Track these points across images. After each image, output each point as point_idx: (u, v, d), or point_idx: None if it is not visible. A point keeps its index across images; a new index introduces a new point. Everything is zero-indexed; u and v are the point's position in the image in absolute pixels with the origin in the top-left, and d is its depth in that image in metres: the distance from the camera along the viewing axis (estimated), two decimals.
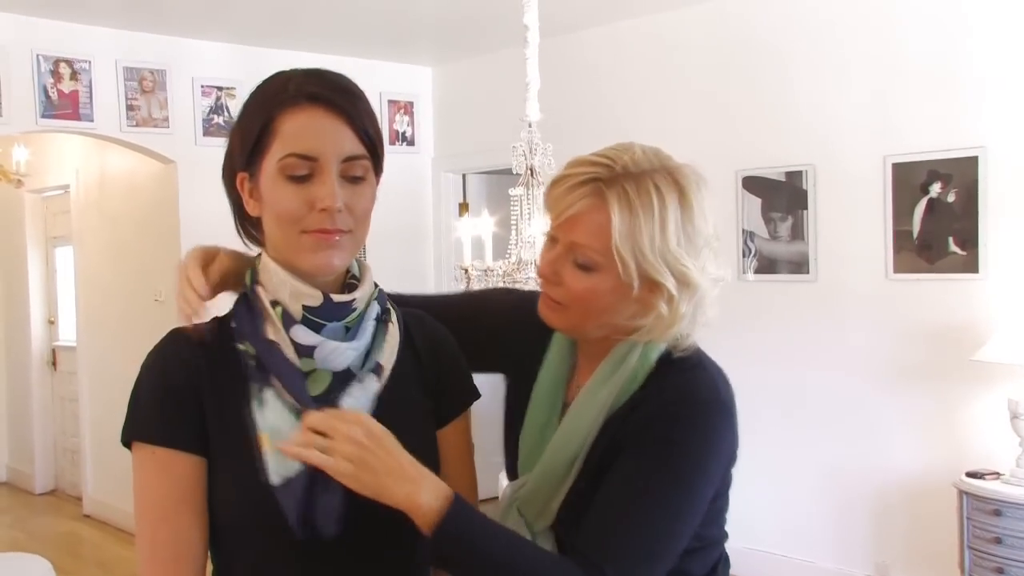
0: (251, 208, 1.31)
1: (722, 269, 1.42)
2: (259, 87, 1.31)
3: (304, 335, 1.26)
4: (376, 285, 1.39)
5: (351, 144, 1.26)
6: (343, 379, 1.29)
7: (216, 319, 1.36)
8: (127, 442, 1.27)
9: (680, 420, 1.36)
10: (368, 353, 1.32)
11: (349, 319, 1.30)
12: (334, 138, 1.25)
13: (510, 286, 2.95)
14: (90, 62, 5.10)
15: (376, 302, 1.36)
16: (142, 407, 1.26)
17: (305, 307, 1.28)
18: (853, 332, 4.49)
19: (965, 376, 4.11)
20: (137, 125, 5.26)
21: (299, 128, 1.24)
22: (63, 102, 5.02)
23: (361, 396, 1.29)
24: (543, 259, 1.44)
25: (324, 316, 1.28)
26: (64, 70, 5.04)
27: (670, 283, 1.33)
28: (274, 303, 1.28)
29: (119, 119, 5.18)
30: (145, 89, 5.25)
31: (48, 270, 7.45)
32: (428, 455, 1.36)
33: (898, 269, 4.34)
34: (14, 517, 6.94)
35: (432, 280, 6.41)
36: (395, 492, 1.20)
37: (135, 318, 5.92)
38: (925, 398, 4.28)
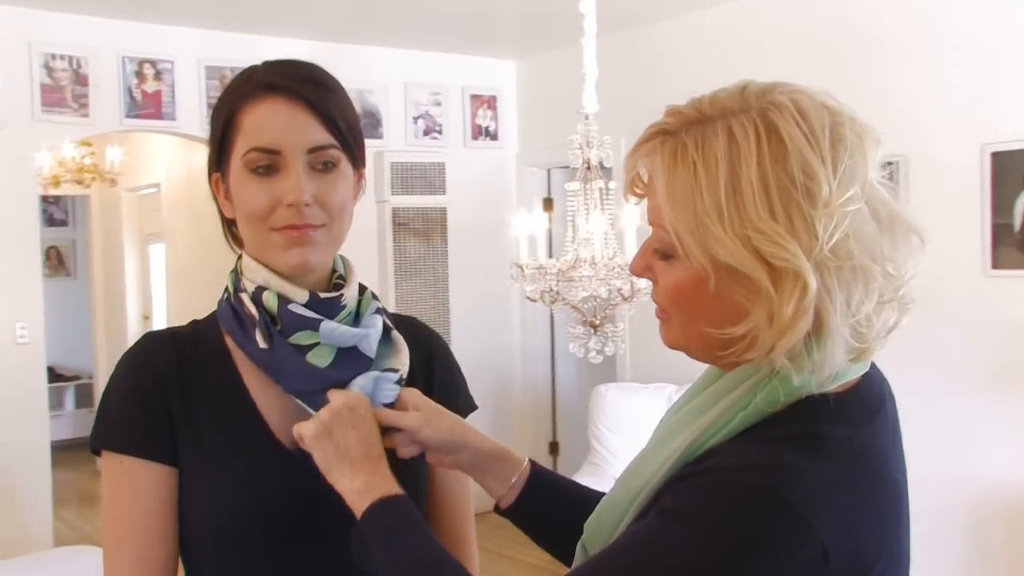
0: (226, 209, 1.26)
1: (903, 255, 0.96)
2: (228, 83, 1.25)
3: (305, 311, 1.21)
4: (366, 288, 1.32)
5: (316, 134, 1.18)
6: (350, 357, 1.22)
7: (194, 322, 1.31)
8: (96, 450, 1.22)
9: (699, 494, 0.93)
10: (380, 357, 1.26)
11: (340, 317, 1.23)
12: (296, 128, 1.17)
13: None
14: (173, 62, 5.16)
15: (375, 301, 1.30)
16: (110, 414, 1.21)
17: None
18: (947, 332, 4.23)
19: None
20: None
21: (259, 120, 1.18)
22: (146, 102, 5.10)
23: (385, 387, 1.23)
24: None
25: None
26: (148, 71, 5.12)
27: (756, 271, 0.91)
28: (261, 288, 1.22)
29: (200, 118, 5.23)
30: None
31: (143, 267, 7.64)
32: (416, 470, 1.29)
33: (997, 265, 4.07)
34: None
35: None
36: (333, 474, 1.14)
37: None
38: None
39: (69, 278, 9.11)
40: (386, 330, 1.29)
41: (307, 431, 1.15)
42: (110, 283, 7.84)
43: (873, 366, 1.05)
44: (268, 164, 1.17)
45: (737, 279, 0.94)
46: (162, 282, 7.06)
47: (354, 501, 1.12)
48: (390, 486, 1.13)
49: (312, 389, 1.19)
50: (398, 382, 1.25)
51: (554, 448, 6.37)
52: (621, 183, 1.09)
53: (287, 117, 1.17)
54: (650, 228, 1.02)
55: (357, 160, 1.25)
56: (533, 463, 1.29)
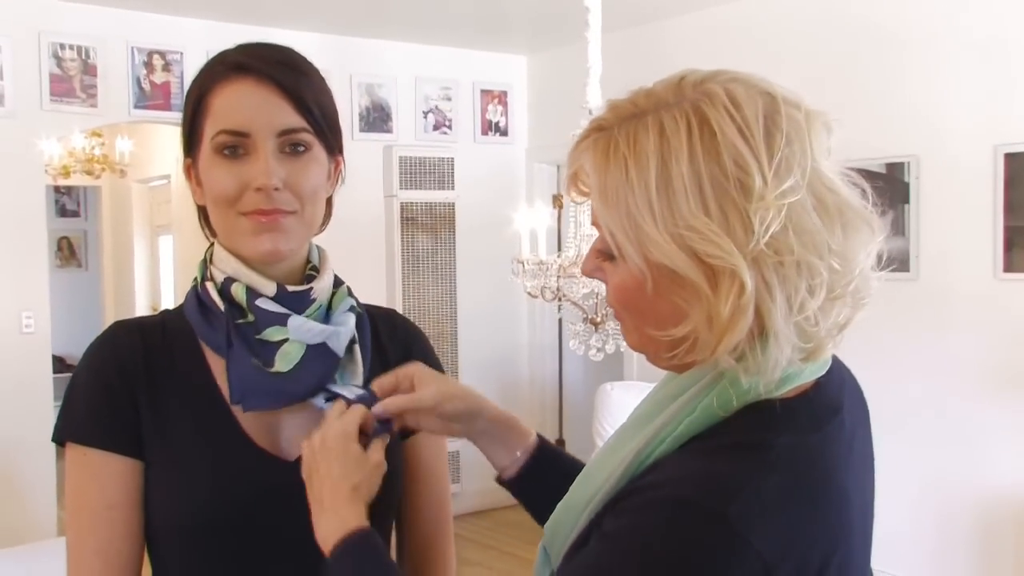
0: (196, 196, 1.23)
1: (853, 248, 0.91)
2: (201, 66, 1.22)
3: (273, 306, 1.18)
4: (343, 282, 1.29)
5: (287, 117, 1.15)
6: (320, 354, 1.19)
7: (164, 312, 1.29)
8: (60, 441, 1.19)
9: (637, 514, 0.90)
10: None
11: (309, 311, 1.20)
12: (266, 111, 1.14)
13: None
14: (182, 53, 5.16)
15: (349, 297, 1.27)
16: (75, 405, 1.19)
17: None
18: (957, 335, 4.18)
19: None
20: None
21: (228, 102, 1.15)
22: (155, 93, 5.10)
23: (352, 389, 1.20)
24: None
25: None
26: (157, 62, 5.11)
27: (690, 271, 0.88)
28: (230, 279, 1.19)
29: None
30: None
31: (153, 258, 7.65)
32: (391, 475, 1.26)
33: (1008, 268, 4.02)
34: None
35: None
36: (313, 515, 1.11)
37: None
38: None
39: (80, 269, 9.13)
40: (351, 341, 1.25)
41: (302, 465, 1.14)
42: (120, 274, 7.86)
43: (837, 368, 1.01)
44: (236, 147, 1.14)
45: (674, 280, 0.90)
46: (171, 274, 7.06)
47: (324, 547, 1.09)
48: (344, 525, 1.08)
49: (271, 407, 1.17)
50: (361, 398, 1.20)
51: (560, 445, 6.33)
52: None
53: (257, 99, 1.14)
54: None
55: (332, 146, 1.22)
56: (540, 437, 1.26)
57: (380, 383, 1.19)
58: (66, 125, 5.06)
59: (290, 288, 1.19)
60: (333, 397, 1.18)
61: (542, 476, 1.23)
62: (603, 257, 0.97)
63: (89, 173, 6.54)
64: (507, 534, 5.46)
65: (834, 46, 4.58)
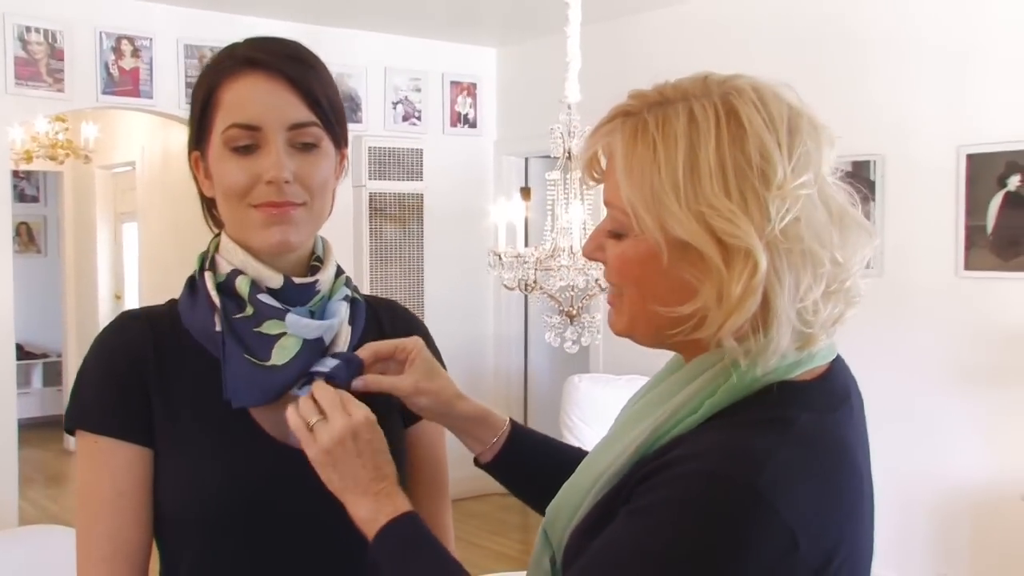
0: (205, 188, 1.25)
1: (851, 248, 0.97)
2: (209, 59, 1.24)
3: (273, 301, 1.20)
4: (343, 271, 1.31)
5: (297, 111, 1.17)
6: (317, 346, 1.21)
7: (172, 301, 1.30)
8: (70, 429, 1.20)
9: (666, 488, 0.92)
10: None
11: (313, 303, 1.23)
12: (277, 105, 1.16)
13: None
14: (151, 39, 5.11)
15: (345, 287, 1.29)
16: (85, 394, 1.20)
17: (267, 290, 1.21)
18: (919, 331, 4.27)
19: None
20: None
21: (239, 96, 1.16)
22: (124, 79, 5.04)
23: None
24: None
25: (286, 300, 1.21)
26: (126, 47, 5.06)
27: (708, 247, 0.92)
28: (236, 271, 1.20)
29: (178, 96, 5.18)
30: None
31: (116, 246, 7.56)
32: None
33: (969, 266, 4.11)
34: None
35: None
36: (348, 503, 1.12)
37: None
38: (994, 403, 4.04)
39: (39, 255, 9.01)
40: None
41: (314, 455, 1.12)
42: (81, 261, 7.76)
43: (840, 362, 1.06)
44: (248, 143, 1.16)
45: (688, 257, 0.94)
46: (134, 262, 6.99)
47: (364, 529, 1.11)
48: (395, 507, 1.11)
49: (264, 402, 1.18)
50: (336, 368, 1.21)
51: None
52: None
53: (268, 93, 1.16)
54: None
55: (339, 139, 1.23)
56: (514, 423, 1.31)
57: (377, 348, 1.23)
58: (31, 109, 5.00)
59: (296, 280, 1.21)
60: (310, 380, 1.18)
61: (518, 460, 1.28)
62: (610, 236, 1.01)
63: (52, 158, 6.46)
64: (472, 524, 5.48)
65: (803, 46, 4.64)
